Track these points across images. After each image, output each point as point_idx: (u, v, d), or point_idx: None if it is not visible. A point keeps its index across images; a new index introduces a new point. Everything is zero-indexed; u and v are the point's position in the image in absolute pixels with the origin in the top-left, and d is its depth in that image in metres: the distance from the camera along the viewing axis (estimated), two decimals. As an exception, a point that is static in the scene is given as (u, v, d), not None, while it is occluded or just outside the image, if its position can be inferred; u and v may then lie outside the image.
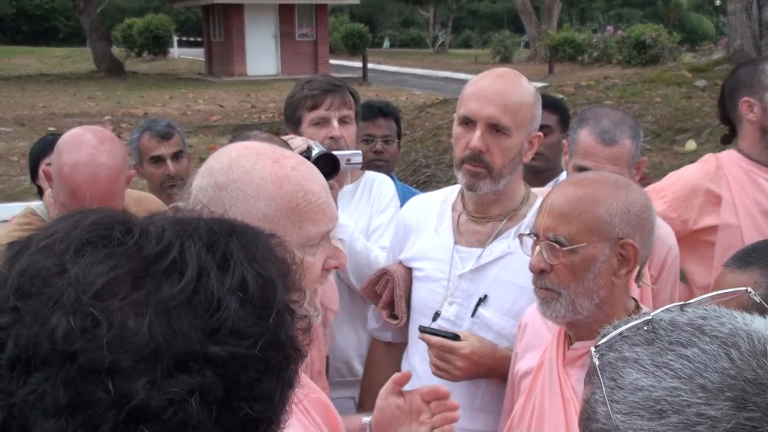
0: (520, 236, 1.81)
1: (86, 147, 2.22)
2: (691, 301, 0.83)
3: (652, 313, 0.80)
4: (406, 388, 2.30)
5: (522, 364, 1.95)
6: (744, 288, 0.85)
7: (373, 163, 3.25)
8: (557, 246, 1.66)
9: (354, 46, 36.28)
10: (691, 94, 8.63)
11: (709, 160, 2.87)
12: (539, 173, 3.14)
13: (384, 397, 1.61)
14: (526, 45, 35.26)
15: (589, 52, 26.09)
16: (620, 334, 0.80)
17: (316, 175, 1.40)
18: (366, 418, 1.64)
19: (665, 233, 2.49)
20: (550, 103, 3.20)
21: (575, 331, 1.74)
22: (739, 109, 2.72)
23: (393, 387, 1.61)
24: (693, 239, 2.75)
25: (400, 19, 55.64)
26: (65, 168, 2.22)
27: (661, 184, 2.89)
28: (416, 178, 7.94)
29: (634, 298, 1.77)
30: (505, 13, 51.14)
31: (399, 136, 3.47)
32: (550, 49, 25.54)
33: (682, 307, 0.81)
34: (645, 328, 0.79)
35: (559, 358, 1.76)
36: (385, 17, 55.07)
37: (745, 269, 1.21)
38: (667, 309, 0.81)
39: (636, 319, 0.80)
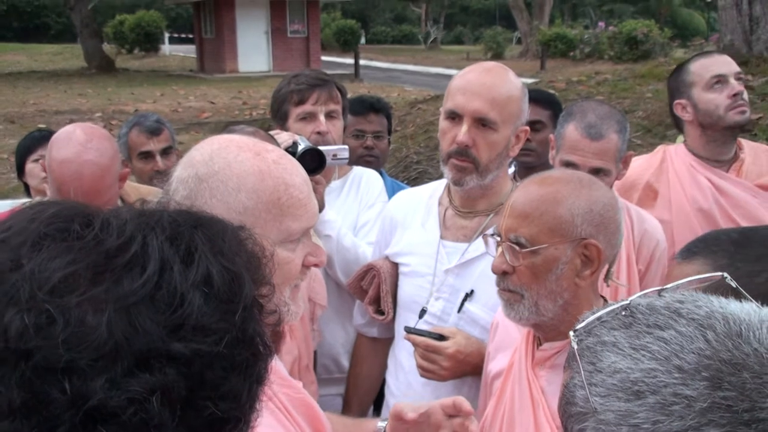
0: (484, 236, 1.78)
1: (74, 144, 2.25)
2: (668, 286, 0.84)
3: (630, 298, 0.80)
4: (393, 380, 2.31)
5: (493, 364, 1.93)
6: (720, 273, 0.85)
7: (364, 158, 3.25)
8: (518, 247, 1.62)
9: (346, 43, 36.22)
10: (681, 90, 8.63)
11: (657, 152, 2.94)
12: (531, 169, 3.14)
13: (396, 418, 1.57)
14: (518, 41, 35.28)
15: (580, 48, 26.08)
16: (599, 318, 0.81)
17: (298, 169, 1.39)
18: (381, 423, 1.61)
19: (652, 227, 2.50)
20: (542, 99, 3.19)
21: (542, 332, 1.71)
22: (677, 112, 2.82)
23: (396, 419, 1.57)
24: None
25: (392, 15, 55.57)
26: (54, 164, 2.26)
27: None
28: (407, 174, 7.93)
29: (603, 297, 1.74)
30: (497, 9, 51.14)
31: (390, 132, 3.46)
32: (542, 45, 25.57)
33: (659, 292, 0.82)
34: (623, 312, 0.79)
35: (528, 360, 1.73)
36: (377, 13, 54.98)
37: (690, 260, 1.21)
38: (644, 294, 0.82)
39: (614, 304, 0.81)
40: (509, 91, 2.08)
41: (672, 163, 2.82)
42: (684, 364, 0.72)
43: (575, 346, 0.80)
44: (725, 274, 0.85)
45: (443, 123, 2.13)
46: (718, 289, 0.88)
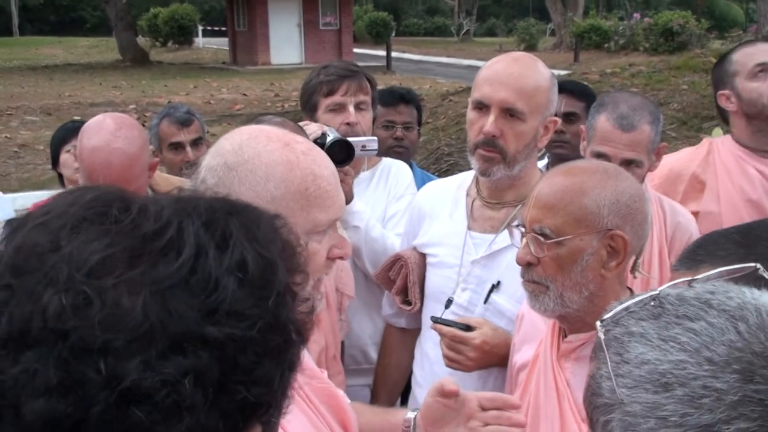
0: (510, 227, 1.77)
1: (104, 132, 2.28)
2: (699, 276, 0.82)
3: (659, 289, 0.79)
4: (419, 371, 2.31)
5: (519, 356, 1.91)
6: (753, 264, 0.83)
7: (393, 149, 3.25)
8: (542, 238, 1.60)
9: (378, 35, 36.18)
10: (717, 82, 8.49)
11: (702, 145, 2.89)
12: (565, 161, 3.11)
13: (432, 395, 1.57)
14: (552, 33, 34.93)
15: (615, 39, 25.75)
16: (626, 308, 0.79)
17: (326, 161, 1.39)
18: (411, 414, 1.61)
19: (686, 220, 2.46)
20: (577, 90, 3.16)
21: (567, 324, 1.69)
22: (721, 104, 2.77)
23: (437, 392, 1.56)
24: None
25: (425, 7, 55.38)
26: (84, 152, 2.30)
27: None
28: (438, 166, 7.92)
29: (630, 289, 1.71)
30: (530, 0, 50.70)
31: (419, 123, 3.45)
32: (576, 37, 25.30)
33: (689, 283, 0.80)
34: (652, 303, 0.78)
35: (553, 351, 1.71)
36: (410, 5, 54.83)
37: (696, 269, 1.13)
38: (674, 284, 0.80)
39: (642, 294, 0.79)
40: (537, 81, 2.06)
41: (719, 154, 2.77)
42: (714, 356, 0.70)
43: (602, 336, 0.78)
44: (758, 265, 0.83)
45: (471, 113, 2.11)
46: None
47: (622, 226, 1.58)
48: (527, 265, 1.66)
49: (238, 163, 1.31)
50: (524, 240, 1.66)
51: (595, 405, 0.78)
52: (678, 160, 2.84)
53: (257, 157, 1.31)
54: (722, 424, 0.67)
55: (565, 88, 3.25)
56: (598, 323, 0.79)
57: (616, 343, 0.77)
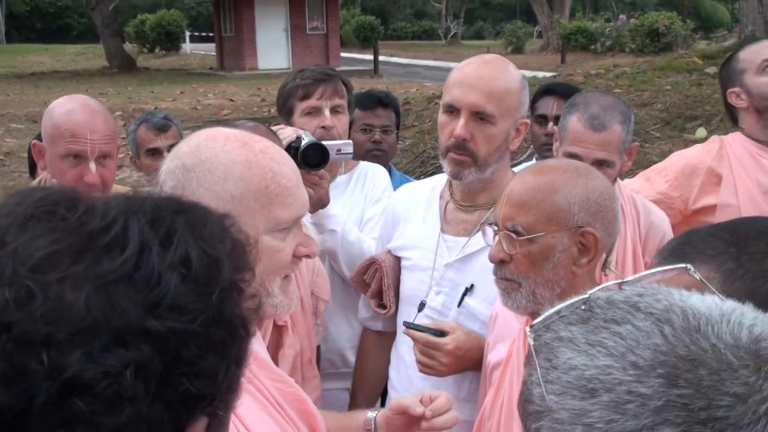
0: (482, 226, 1.78)
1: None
2: (629, 278, 0.81)
3: (590, 292, 0.78)
4: (395, 375, 2.30)
5: (493, 355, 1.92)
6: (683, 265, 0.83)
7: (371, 152, 3.25)
8: (515, 236, 1.62)
9: (365, 39, 36.20)
10: (701, 82, 8.54)
11: (713, 140, 2.92)
12: None
13: (394, 411, 1.58)
14: (539, 35, 35.06)
15: (601, 41, 25.86)
16: (557, 312, 0.78)
17: (285, 158, 1.39)
18: (371, 414, 1.61)
19: (659, 219, 2.47)
20: (568, 93, 3.16)
21: None
22: (731, 101, 2.81)
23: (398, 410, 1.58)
24: (693, 221, 2.74)
25: (413, 11, 55.46)
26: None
27: (664, 163, 2.94)
28: (424, 170, 7.91)
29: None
30: (517, 3, 50.84)
31: (398, 126, 3.46)
32: (563, 39, 25.38)
33: (620, 285, 0.79)
34: (582, 307, 0.77)
35: (526, 349, 1.72)
36: (397, 9, 54.90)
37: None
38: (605, 287, 0.79)
39: (574, 298, 0.78)
40: (507, 83, 2.06)
41: (731, 149, 2.82)
42: (639, 361, 0.69)
43: (532, 342, 0.78)
44: (689, 266, 0.82)
45: (441, 117, 2.11)
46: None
47: (593, 223, 1.60)
48: (500, 263, 1.67)
49: (195, 164, 1.31)
50: (497, 238, 1.68)
51: (528, 412, 0.77)
52: (692, 155, 2.89)
53: (215, 157, 1.31)
54: (647, 429, 0.66)
55: (556, 90, 3.26)
56: (527, 329, 0.78)
57: (546, 348, 0.77)
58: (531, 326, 0.78)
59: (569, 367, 0.73)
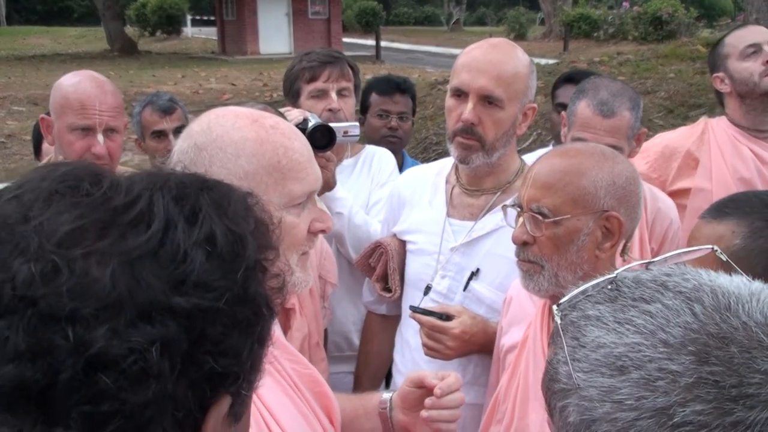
0: (504, 207, 1.77)
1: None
2: (656, 259, 0.81)
3: (616, 272, 0.78)
4: (399, 358, 2.31)
5: (507, 338, 1.92)
6: (710, 246, 0.83)
7: (387, 139, 3.23)
8: (540, 217, 1.62)
9: (367, 24, 36.04)
10: (704, 70, 8.48)
11: (698, 124, 2.96)
12: None
13: (409, 384, 1.58)
14: (542, 22, 34.89)
15: (604, 28, 25.74)
16: (583, 292, 0.78)
17: (296, 133, 1.39)
18: (386, 395, 1.61)
19: (666, 206, 2.47)
20: (578, 78, 3.15)
21: None
22: (716, 86, 2.87)
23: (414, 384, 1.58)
24: None
25: (415, -3, 55.18)
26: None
27: (647, 144, 2.97)
28: (427, 156, 7.91)
29: None
30: (520, -11, 50.56)
31: (414, 113, 3.44)
32: (565, 26, 25.28)
33: (646, 266, 0.80)
34: (609, 286, 0.77)
35: (543, 333, 1.72)
36: (400, -5, 54.63)
37: (721, 220, 1.19)
38: (630, 268, 0.79)
39: (600, 278, 0.78)
40: (515, 67, 2.05)
41: (713, 133, 2.84)
42: (670, 338, 0.70)
43: (558, 321, 0.78)
44: (715, 247, 0.83)
45: (449, 101, 2.10)
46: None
47: (617, 207, 1.61)
48: (523, 245, 1.67)
49: (207, 142, 1.31)
50: (520, 219, 1.68)
51: (553, 391, 0.77)
52: (673, 138, 2.92)
53: (226, 135, 1.31)
54: (677, 406, 0.67)
55: (573, 78, 3.26)
56: (554, 307, 0.78)
57: (572, 327, 0.77)
58: (557, 305, 0.78)
59: (597, 345, 0.73)
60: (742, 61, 2.76)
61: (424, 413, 1.52)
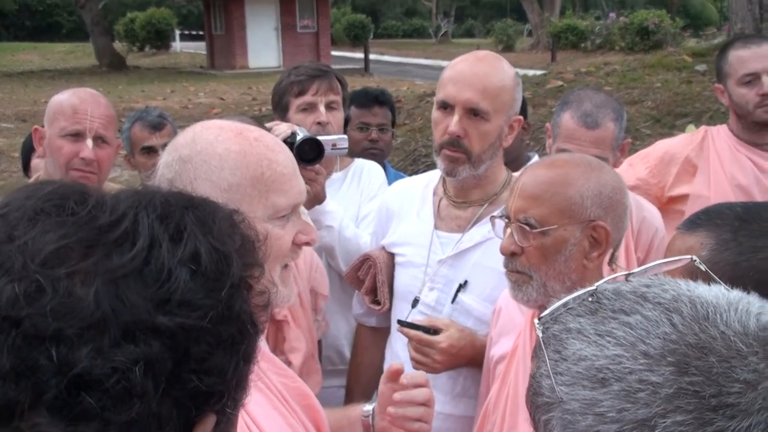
0: (492, 218, 1.78)
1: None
2: (636, 270, 0.82)
3: (597, 284, 0.78)
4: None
5: (496, 349, 1.93)
6: (689, 256, 0.84)
7: (368, 151, 3.25)
8: (528, 228, 1.63)
9: (356, 37, 36.14)
10: (691, 79, 8.59)
11: (698, 131, 3.00)
12: None
13: (383, 382, 1.60)
14: (529, 33, 35.07)
15: (591, 39, 25.92)
16: (564, 305, 0.79)
17: (280, 146, 1.40)
18: (368, 406, 1.63)
19: (651, 215, 2.49)
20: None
21: None
22: (717, 95, 2.93)
23: (387, 377, 1.60)
24: (668, 208, 2.81)
25: (403, 9, 55.39)
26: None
27: (648, 150, 3.04)
28: (416, 168, 7.91)
29: None
30: (507, 1, 50.84)
31: (394, 124, 3.46)
32: (553, 37, 25.43)
33: (626, 277, 0.80)
34: (589, 299, 0.77)
35: (532, 342, 1.73)
36: (388, 8, 54.82)
37: (693, 231, 1.21)
38: (611, 279, 0.80)
39: (581, 290, 0.79)
40: (501, 80, 2.07)
41: (713, 141, 2.89)
42: (649, 350, 0.70)
43: (540, 335, 0.78)
44: (694, 257, 0.84)
45: (435, 113, 2.12)
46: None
47: (605, 217, 1.62)
48: (511, 255, 1.68)
49: (191, 155, 1.32)
50: (508, 230, 1.69)
51: (536, 404, 0.77)
52: (673, 144, 2.96)
53: (210, 147, 1.32)
54: (658, 417, 0.67)
55: None
56: (536, 321, 0.78)
57: (554, 340, 0.77)
58: (539, 319, 0.78)
59: (579, 357, 0.73)
60: (740, 87, 2.79)
61: (390, 409, 1.52)
